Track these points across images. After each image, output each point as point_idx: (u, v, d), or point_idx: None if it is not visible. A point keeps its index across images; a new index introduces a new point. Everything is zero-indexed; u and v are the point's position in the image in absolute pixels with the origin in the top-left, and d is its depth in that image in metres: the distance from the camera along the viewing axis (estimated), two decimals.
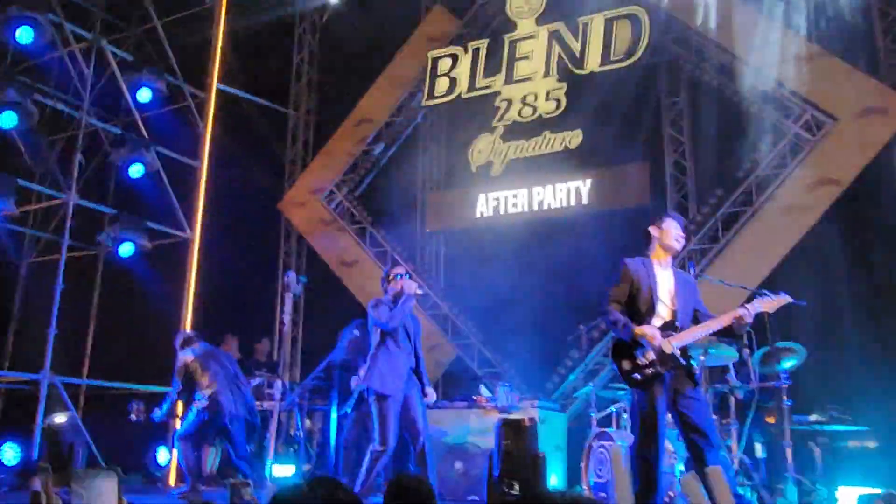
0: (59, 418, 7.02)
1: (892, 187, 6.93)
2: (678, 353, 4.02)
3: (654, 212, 7.66)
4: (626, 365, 4.09)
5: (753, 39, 7.45)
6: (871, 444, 5.64)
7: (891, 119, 6.92)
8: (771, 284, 6.14)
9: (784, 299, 4.13)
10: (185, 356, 6.48)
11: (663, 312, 4.12)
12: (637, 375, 4.03)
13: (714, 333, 4.24)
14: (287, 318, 5.78)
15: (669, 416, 4.14)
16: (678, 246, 4.28)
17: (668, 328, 4.08)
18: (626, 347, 4.08)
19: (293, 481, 6.43)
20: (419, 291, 5.24)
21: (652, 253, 4.27)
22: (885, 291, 6.65)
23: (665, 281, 4.20)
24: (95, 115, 8.70)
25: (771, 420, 5.80)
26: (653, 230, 4.29)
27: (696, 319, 4.21)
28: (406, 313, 5.17)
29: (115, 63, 8.71)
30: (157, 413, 6.69)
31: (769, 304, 4.11)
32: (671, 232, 4.24)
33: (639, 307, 4.13)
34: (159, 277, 8.81)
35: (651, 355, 4.01)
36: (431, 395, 5.35)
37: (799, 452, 5.25)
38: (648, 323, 4.07)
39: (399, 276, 5.30)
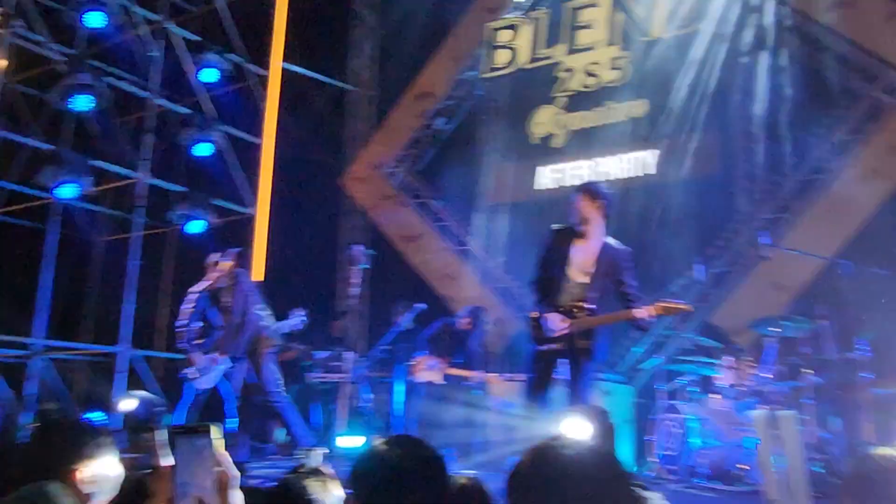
0: (127, 404, 6.74)
1: None
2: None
3: (723, 181, 7.54)
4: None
5: None
6: None
7: None
8: (846, 254, 5.95)
9: (685, 307, 4.45)
10: None
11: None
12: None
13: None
14: (355, 292, 5.85)
15: None
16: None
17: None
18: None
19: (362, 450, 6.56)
20: None
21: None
22: None
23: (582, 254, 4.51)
24: (164, 95, 8.90)
25: (846, 394, 5.63)
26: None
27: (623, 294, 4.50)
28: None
29: (181, 44, 8.89)
30: None
31: (667, 309, 4.36)
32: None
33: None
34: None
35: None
36: None
37: (880, 425, 5.08)
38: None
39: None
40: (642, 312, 4.32)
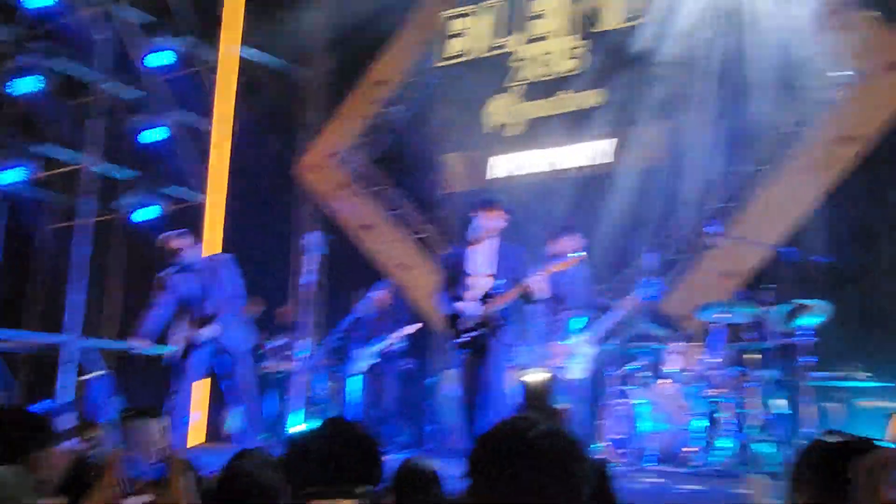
0: (92, 374, 7.18)
1: None
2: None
3: (673, 171, 7.68)
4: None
5: None
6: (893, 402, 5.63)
7: None
8: (793, 241, 6.13)
9: (579, 256, 4.99)
10: None
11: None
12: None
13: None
14: (313, 279, 5.81)
15: None
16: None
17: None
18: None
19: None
20: None
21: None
22: None
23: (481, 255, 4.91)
24: (111, 79, 8.68)
25: (790, 377, 5.81)
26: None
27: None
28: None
29: (130, 26, 8.68)
30: None
31: (560, 265, 4.89)
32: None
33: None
34: None
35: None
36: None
37: (821, 409, 5.25)
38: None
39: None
40: (535, 278, 4.70)
